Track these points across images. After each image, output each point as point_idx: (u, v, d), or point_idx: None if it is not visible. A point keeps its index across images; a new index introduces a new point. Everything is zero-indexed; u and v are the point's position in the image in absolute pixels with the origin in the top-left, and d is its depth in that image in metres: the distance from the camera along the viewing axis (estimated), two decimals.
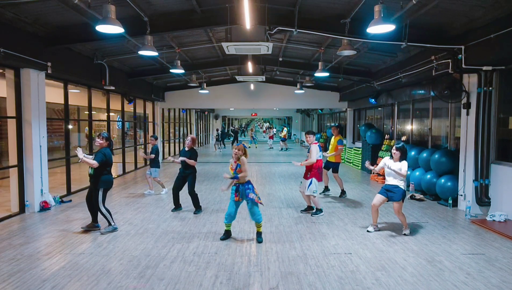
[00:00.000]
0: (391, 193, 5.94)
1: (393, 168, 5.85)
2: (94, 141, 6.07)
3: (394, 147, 6.01)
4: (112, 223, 6.20)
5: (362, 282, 4.28)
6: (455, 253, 5.20)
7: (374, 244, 5.54)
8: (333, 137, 9.34)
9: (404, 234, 5.98)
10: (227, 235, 5.82)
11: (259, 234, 5.78)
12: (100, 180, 6.02)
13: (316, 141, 7.42)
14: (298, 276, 4.45)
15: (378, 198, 6.04)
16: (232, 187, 5.77)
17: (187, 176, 7.39)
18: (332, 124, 9.81)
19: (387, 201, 6.07)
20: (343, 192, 9.16)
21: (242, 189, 5.62)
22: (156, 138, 9.43)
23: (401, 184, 5.89)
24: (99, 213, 6.16)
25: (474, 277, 4.43)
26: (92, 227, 6.24)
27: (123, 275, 4.44)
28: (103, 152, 6.00)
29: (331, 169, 9.23)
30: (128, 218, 6.98)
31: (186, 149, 7.46)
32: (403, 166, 5.86)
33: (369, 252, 5.23)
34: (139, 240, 5.72)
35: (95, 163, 5.84)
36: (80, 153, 5.82)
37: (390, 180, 5.97)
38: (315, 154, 7.12)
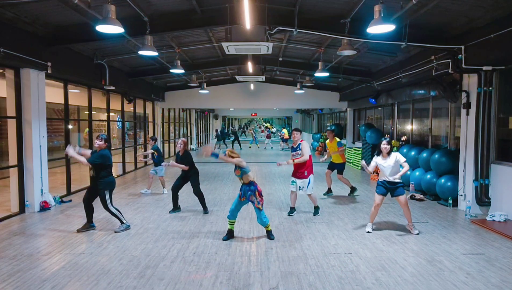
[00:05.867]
0: (394, 189, 5.94)
1: (390, 164, 5.85)
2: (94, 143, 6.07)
3: (384, 142, 5.95)
4: (124, 221, 6.24)
5: (362, 282, 4.28)
6: (455, 253, 5.20)
7: (374, 244, 5.54)
8: (328, 140, 9.21)
9: (412, 233, 6.01)
10: (229, 235, 5.78)
11: (269, 232, 5.84)
12: (104, 182, 6.00)
13: (302, 139, 7.26)
14: (298, 276, 4.45)
15: (381, 198, 6.02)
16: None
17: (188, 177, 7.40)
18: (328, 128, 9.72)
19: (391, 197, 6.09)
20: (353, 189, 9.16)
21: (244, 190, 5.64)
22: (154, 139, 9.60)
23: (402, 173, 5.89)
24: (110, 214, 6.17)
25: (474, 277, 4.43)
26: (87, 227, 6.24)
27: (123, 275, 4.45)
28: (101, 154, 5.93)
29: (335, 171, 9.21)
30: (128, 218, 6.95)
31: (180, 153, 7.43)
32: (400, 158, 5.86)
33: (369, 252, 5.23)
34: (139, 240, 5.72)
35: (84, 161, 5.74)
36: (71, 150, 5.76)
37: (389, 177, 5.93)
38: (308, 150, 7.00)
